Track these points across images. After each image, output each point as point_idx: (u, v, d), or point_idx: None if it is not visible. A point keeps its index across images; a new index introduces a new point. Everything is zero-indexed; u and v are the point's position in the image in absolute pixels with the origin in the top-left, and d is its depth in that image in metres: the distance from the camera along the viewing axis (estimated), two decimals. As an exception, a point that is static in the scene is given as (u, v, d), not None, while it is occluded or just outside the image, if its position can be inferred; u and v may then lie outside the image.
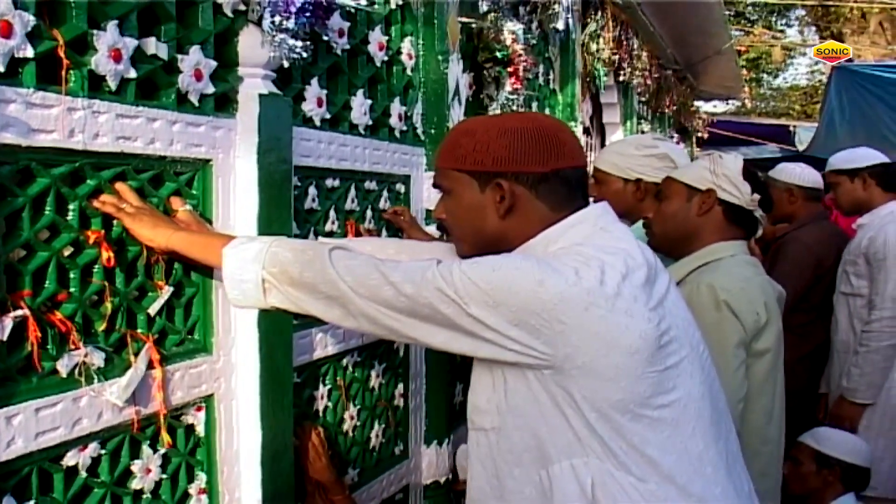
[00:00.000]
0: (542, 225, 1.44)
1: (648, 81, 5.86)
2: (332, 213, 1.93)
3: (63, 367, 1.27)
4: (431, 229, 2.27)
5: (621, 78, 5.11)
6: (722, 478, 1.39)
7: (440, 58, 2.28)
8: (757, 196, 2.16)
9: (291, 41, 1.61)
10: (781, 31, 21.05)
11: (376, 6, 2.05)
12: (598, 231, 1.43)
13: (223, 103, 1.57)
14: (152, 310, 1.45)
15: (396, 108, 2.17)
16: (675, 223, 2.23)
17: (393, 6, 2.14)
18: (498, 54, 2.66)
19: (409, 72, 2.23)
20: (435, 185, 1.56)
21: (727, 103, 16.11)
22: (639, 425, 1.31)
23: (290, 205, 1.70)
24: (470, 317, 1.29)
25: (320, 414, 1.93)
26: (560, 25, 3.36)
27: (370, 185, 2.08)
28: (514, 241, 1.45)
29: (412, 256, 1.78)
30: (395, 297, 1.32)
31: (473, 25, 2.55)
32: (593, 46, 4.32)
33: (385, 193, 2.15)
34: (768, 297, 2.12)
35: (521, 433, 1.38)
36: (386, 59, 2.11)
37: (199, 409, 1.56)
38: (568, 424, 1.32)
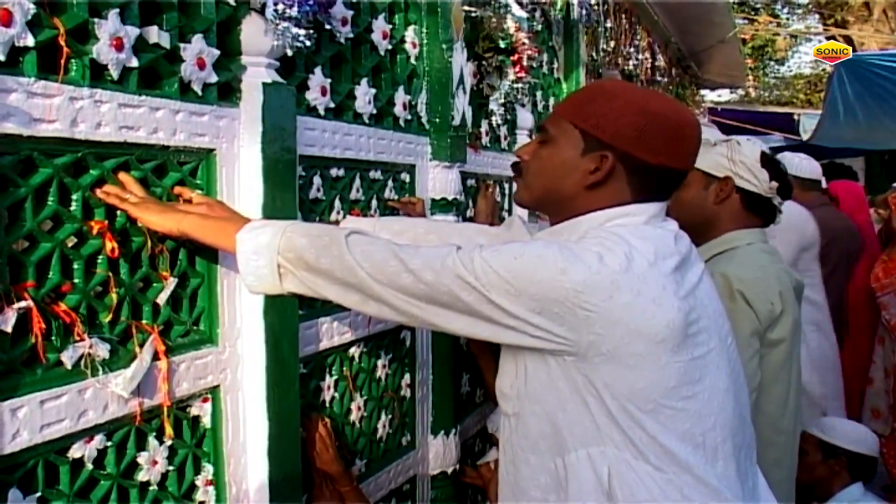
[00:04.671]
0: (608, 203, 1.42)
1: (651, 71, 5.84)
2: (337, 203, 1.91)
3: (68, 358, 1.27)
4: (438, 218, 2.26)
5: (623, 65, 5.09)
6: (732, 473, 1.38)
7: (444, 46, 2.25)
8: (775, 184, 2.14)
9: (295, 29, 1.59)
10: (786, 20, 20.98)
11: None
12: (650, 220, 1.41)
13: (226, 92, 1.56)
14: (157, 301, 1.44)
15: (401, 97, 2.15)
16: (692, 211, 2.20)
17: (396, -6, 2.12)
18: (501, 43, 2.64)
19: (413, 60, 2.21)
20: (540, 128, 1.52)
21: (731, 92, 16.05)
22: (661, 415, 1.29)
23: (295, 194, 1.68)
24: (491, 304, 1.28)
25: (327, 405, 1.92)
26: (575, 14, 3.35)
27: (375, 174, 2.06)
28: (576, 210, 1.43)
29: (441, 237, 1.77)
30: (415, 284, 1.31)
31: (475, 14, 2.53)
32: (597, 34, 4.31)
33: (390, 183, 2.13)
34: (784, 286, 2.09)
35: (538, 420, 1.37)
36: (390, 47, 2.10)
37: (205, 400, 1.55)
38: (588, 412, 1.31)
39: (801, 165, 4.04)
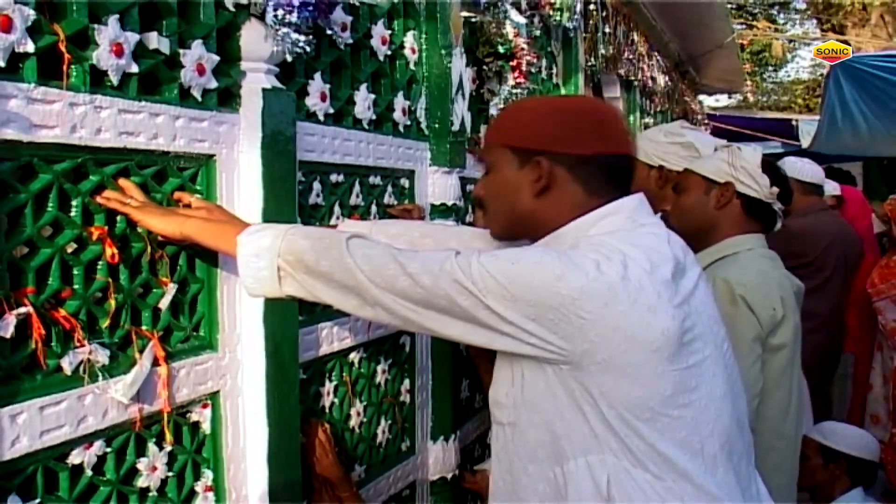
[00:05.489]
0: (575, 209, 1.42)
1: (650, 76, 5.85)
2: (336, 209, 1.91)
3: (67, 364, 1.26)
4: (438, 223, 2.25)
5: (621, 71, 5.10)
6: (731, 480, 1.37)
7: (443, 52, 2.26)
8: (776, 189, 2.15)
9: (294, 35, 1.59)
10: (783, 24, 21.01)
11: (379, 0, 2.04)
12: (629, 223, 1.40)
13: (226, 98, 1.56)
14: (157, 306, 1.44)
15: (400, 102, 2.15)
16: (693, 216, 2.21)
17: (395, 0, 2.12)
18: (500, 48, 2.65)
19: (412, 66, 2.22)
20: (480, 160, 1.55)
21: (730, 97, 16.07)
22: (658, 424, 1.29)
23: (295, 200, 1.68)
24: (487, 309, 1.27)
25: (326, 410, 1.92)
26: (568, 23, 3.36)
27: (374, 180, 2.06)
28: (544, 224, 1.43)
29: (437, 240, 1.78)
30: (412, 288, 1.31)
31: (475, 19, 2.53)
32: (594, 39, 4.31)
33: (389, 188, 2.13)
34: (785, 291, 2.10)
35: (535, 428, 1.36)
36: (389, 53, 2.10)
37: (204, 406, 1.55)
38: (585, 420, 1.30)
39: (803, 169, 4.05)
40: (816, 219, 3.99)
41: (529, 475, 1.38)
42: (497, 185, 1.49)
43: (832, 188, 5.12)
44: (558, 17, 3.31)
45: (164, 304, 1.45)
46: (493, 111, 2.75)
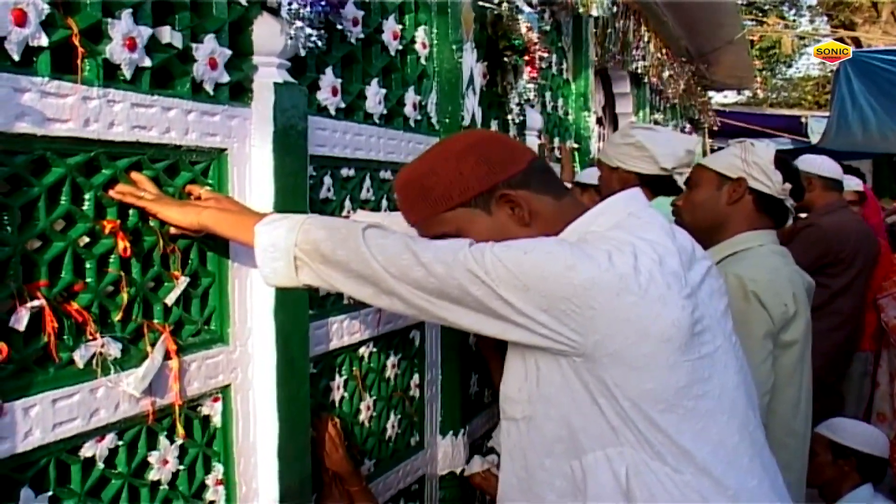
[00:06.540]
0: (559, 214, 1.42)
1: (659, 73, 5.83)
2: (347, 203, 1.91)
3: (80, 357, 1.27)
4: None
5: (631, 67, 5.08)
6: (758, 469, 1.36)
7: (454, 47, 2.26)
8: (788, 185, 2.14)
9: (307, 30, 1.59)
10: (793, 21, 20.94)
11: (390, -5, 2.04)
12: (627, 217, 1.40)
13: (238, 92, 1.56)
14: (169, 300, 1.44)
15: (411, 97, 2.15)
16: (705, 212, 2.21)
17: (406, -5, 2.12)
18: (515, 42, 2.65)
19: (423, 61, 2.21)
20: (439, 237, 1.45)
21: (739, 93, 16.02)
22: (673, 415, 1.28)
23: (306, 194, 1.69)
24: (500, 299, 1.27)
25: (336, 404, 1.92)
26: (594, 12, 3.36)
27: (385, 174, 2.06)
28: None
29: None
30: (426, 278, 1.31)
31: (494, 11, 2.53)
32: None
33: (400, 183, 2.13)
34: (797, 287, 2.10)
35: (552, 423, 1.35)
36: (400, 48, 2.09)
37: (215, 399, 1.55)
38: (601, 413, 1.30)
39: (824, 165, 4.06)
40: (841, 216, 3.98)
41: (546, 470, 1.38)
42: (485, 240, 1.37)
43: (855, 184, 5.11)
44: (588, 7, 3.31)
45: (171, 298, 1.45)
46: (511, 105, 2.75)
